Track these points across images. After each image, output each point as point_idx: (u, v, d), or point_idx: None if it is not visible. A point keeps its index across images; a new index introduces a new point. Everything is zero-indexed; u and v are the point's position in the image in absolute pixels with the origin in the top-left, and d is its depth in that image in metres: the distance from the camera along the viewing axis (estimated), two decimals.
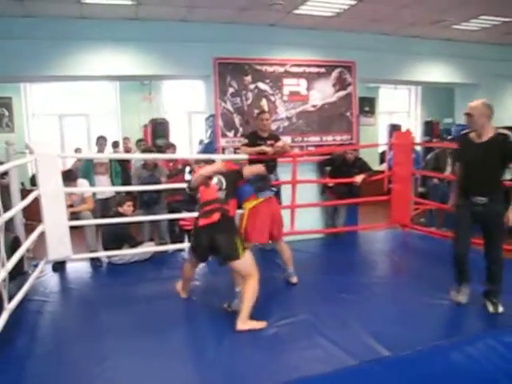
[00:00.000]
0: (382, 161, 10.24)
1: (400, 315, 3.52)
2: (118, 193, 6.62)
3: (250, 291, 3.38)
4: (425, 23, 6.28)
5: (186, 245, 5.57)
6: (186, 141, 10.23)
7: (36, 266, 4.56)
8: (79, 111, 10.00)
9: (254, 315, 3.40)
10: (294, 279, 4.34)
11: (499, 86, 7.98)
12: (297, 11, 5.65)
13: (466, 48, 7.45)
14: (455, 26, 6.43)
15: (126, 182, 6.73)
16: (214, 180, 3.67)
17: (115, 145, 8.67)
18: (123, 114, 10.10)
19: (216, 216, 3.44)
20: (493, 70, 7.73)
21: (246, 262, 3.45)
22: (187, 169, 6.51)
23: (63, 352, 3.10)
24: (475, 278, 3.65)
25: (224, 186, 3.64)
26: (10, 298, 3.31)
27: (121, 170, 6.76)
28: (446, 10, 5.69)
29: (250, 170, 3.99)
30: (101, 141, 6.96)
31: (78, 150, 8.91)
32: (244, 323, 3.32)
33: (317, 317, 3.53)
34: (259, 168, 4.13)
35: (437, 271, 4.59)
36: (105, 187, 6.44)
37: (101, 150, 6.95)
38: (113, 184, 6.67)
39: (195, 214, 5.38)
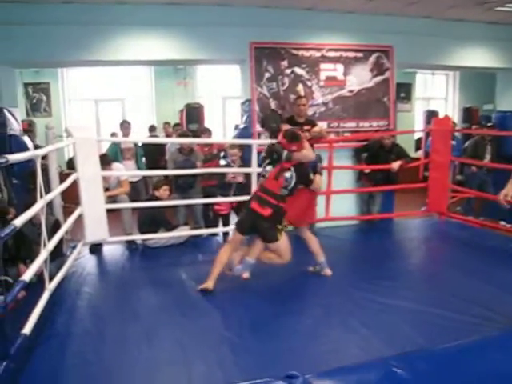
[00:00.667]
0: (417, 148, 10.06)
1: (436, 304, 3.46)
2: (147, 177, 6.71)
3: (272, 256, 3.76)
4: (466, 5, 6.08)
5: (220, 229, 5.63)
6: (220, 125, 10.24)
7: (74, 247, 4.69)
8: (114, 96, 10.12)
9: (291, 305, 3.45)
10: (328, 271, 4.18)
11: None
12: None
13: (509, 31, 7.19)
14: (499, 7, 6.20)
15: (154, 166, 6.79)
16: (287, 174, 3.70)
17: (152, 129, 8.76)
18: (158, 99, 10.17)
19: (267, 211, 3.59)
20: None
21: (281, 245, 3.66)
22: (222, 153, 6.55)
23: (100, 330, 3.19)
24: None
25: (290, 186, 3.72)
26: (51, 279, 3.42)
27: (144, 154, 6.83)
28: None
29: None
30: (125, 125, 7.04)
31: (114, 135, 9.04)
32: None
33: (353, 302, 3.54)
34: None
35: (474, 261, 4.54)
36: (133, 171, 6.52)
37: (126, 135, 7.00)
38: (138, 168, 6.75)
39: (230, 199, 5.48)
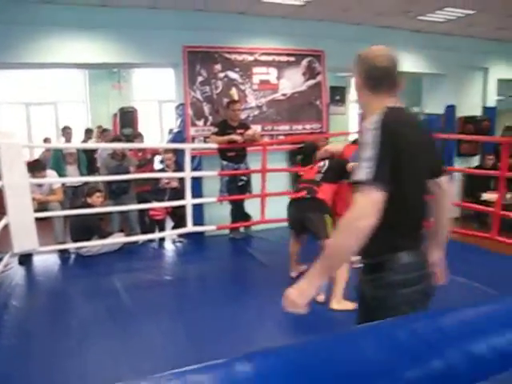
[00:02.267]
0: None
1: None
2: (86, 183, 6.54)
3: (340, 271, 3.43)
4: (392, 13, 6.34)
5: (156, 235, 5.56)
6: (157, 130, 10.12)
7: (1, 259, 4.49)
8: (47, 100, 9.77)
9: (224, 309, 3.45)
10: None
11: (464, 76, 8.16)
12: (266, 0, 5.64)
13: (433, 39, 7.56)
14: (421, 16, 6.50)
15: (93, 172, 6.65)
16: (321, 163, 3.94)
17: (88, 132, 8.47)
18: (93, 102, 9.92)
19: (302, 193, 3.71)
20: (458, 60, 7.87)
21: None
22: (157, 158, 6.49)
23: (27, 346, 3.08)
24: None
25: (323, 170, 3.87)
26: None
27: (86, 160, 6.67)
28: (412, 0, 5.76)
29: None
30: (67, 130, 6.88)
31: (47, 140, 8.73)
32: (339, 303, 3.48)
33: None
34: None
35: None
36: (74, 177, 6.34)
37: (68, 140, 6.86)
38: (81, 174, 6.59)
39: (165, 204, 5.44)
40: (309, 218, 3.67)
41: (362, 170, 1.54)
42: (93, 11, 5.57)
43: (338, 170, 3.86)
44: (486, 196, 6.85)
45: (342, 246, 1.55)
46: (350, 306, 3.30)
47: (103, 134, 7.59)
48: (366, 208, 1.51)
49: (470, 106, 8.30)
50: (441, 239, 1.93)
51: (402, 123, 1.66)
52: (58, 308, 3.75)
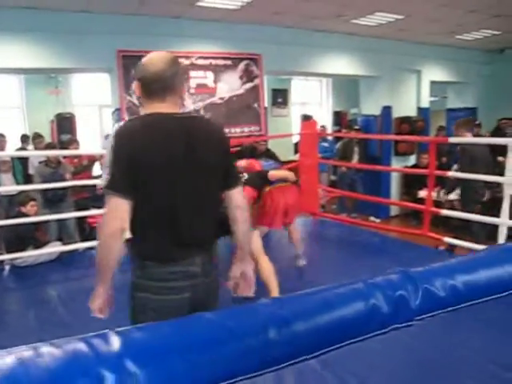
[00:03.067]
0: (296, 151, 10.53)
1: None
2: (22, 191, 6.33)
3: (265, 272, 3.55)
4: (325, 17, 6.49)
5: (95, 242, 5.45)
6: (97, 135, 9.90)
7: None
8: None
9: None
10: (301, 262, 4.51)
11: (399, 78, 8.46)
12: (200, 3, 5.64)
13: (368, 42, 7.81)
14: (354, 20, 6.70)
15: (28, 180, 6.45)
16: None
17: (24, 139, 8.13)
18: (29, 108, 9.58)
19: None
20: (392, 63, 8.18)
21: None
22: (96, 164, 6.36)
23: None
24: None
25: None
26: None
27: (22, 168, 6.47)
28: (344, 4, 5.93)
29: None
30: (0, 138, 6.64)
31: None
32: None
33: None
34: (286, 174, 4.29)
35: (340, 255, 4.88)
36: (8, 186, 6.13)
37: (1, 148, 6.61)
38: (16, 182, 6.37)
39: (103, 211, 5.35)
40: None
41: (104, 178, 1.63)
42: (25, 14, 5.41)
43: (259, 179, 4.05)
44: (421, 194, 7.12)
45: (100, 253, 1.70)
46: None
47: (35, 141, 7.27)
48: (106, 214, 1.61)
49: (406, 107, 8.63)
50: (241, 253, 1.93)
51: (142, 132, 1.62)
52: None
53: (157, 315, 1.65)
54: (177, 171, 1.64)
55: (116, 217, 1.56)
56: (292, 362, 0.92)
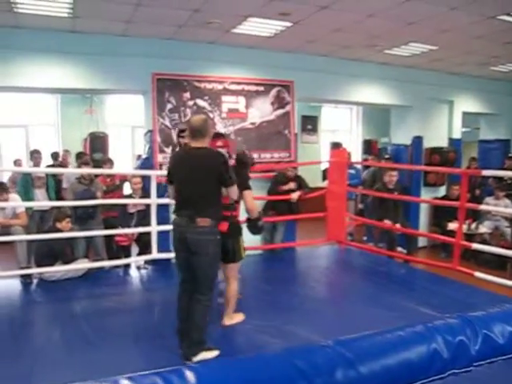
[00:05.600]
0: (324, 177, 10.48)
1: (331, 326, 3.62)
2: (54, 207, 6.46)
3: (232, 292, 3.73)
4: (358, 47, 6.53)
5: (121, 261, 5.50)
6: (129, 155, 10.08)
7: None
8: (17, 122, 9.68)
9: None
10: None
11: (430, 108, 8.39)
12: (235, 30, 5.75)
13: (400, 72, 7.80)
14: (387, 50, 6.71)
15: (61, 196, 6.58)
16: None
17: (55, 156, 8.41)
18: (64, 126, 9.85)
19: (225, 226, 3.51)
20: (424, 93, 8.13)
21: (237, 266, 3.75)
22: (127, 184, 6.45)
23: None
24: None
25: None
26: None
27: (54, 184, 6.61)
28: (377, 35, 5.94)
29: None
30: (35, 155, 6.82)
31: (17, 161, 8.65)
32: (231, 318, 3.76)
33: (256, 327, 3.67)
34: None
35: (366, 285, 4.79)
36: (41, 202, 6.26)
37: (36, 164, 6.79)
38: (49, 198, 6.50)
39: (132, 230, 5.40)
40: (229, 244, 3.70)
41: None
42: (64, 37, 5.63)
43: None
44: (451, 226, 6.97)
45: None
46: (241, 317, 3.80)
47: (78, 157, 7.50)
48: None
49: (437, 137, 8.53)
50: None
51: (178, 155, 3.46)
52: (13, 335, 3.65)
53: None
54: (182, 175, 3.18)
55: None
56: None
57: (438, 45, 6.39)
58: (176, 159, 3.32)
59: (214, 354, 3.17)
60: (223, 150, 3.54)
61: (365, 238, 8.19)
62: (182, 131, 4.29)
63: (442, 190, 8.47)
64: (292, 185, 6.11)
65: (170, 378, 0.87)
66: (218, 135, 3.87)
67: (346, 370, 0.90)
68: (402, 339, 1.02)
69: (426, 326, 1.04)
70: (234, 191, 3.28)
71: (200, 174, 3.12)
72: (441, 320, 1.08)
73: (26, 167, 7.97)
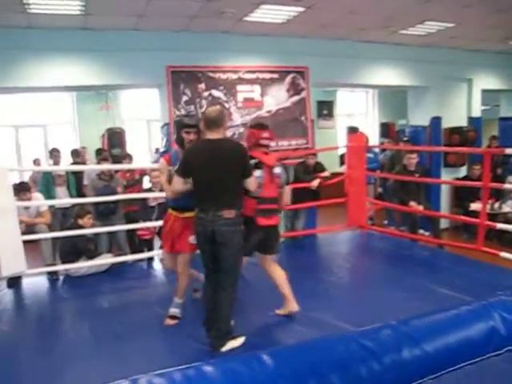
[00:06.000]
0: (342, 163, 10.41)
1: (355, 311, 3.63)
2: (75, 204, 6.53)
3: (282, 277, 3.64)
4: (373, 28, 6.44)
5: (144, 255, 5.55)
6: (146, 149, 10.14)
7: None
8: (36, 122, 9.80)
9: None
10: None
11: (448, 87, 8.25)
12: (247, 18, 5.71)
13: (416, 52, 7.67)
14: (403, 31, 6.60)
15: (82, 193, 6.65)
16: (278, 169, 3.56)
17: (76, 153, 8.44)
18: (81, 123, 9.94)
19: (275, 220, 3.54)
20: (441, 72, 7.98)
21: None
22: (146, 178, 6.50)
23: (10, 371, 3.06)
24: None
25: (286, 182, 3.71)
26: None
27: (75, 181, 6.69)
28: (392, 16, 5.85)
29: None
30: (55, 153, 6.89)
31: (36, 161, 8.76)
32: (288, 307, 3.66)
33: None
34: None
35: (389, 269, 4.77)
36: (62, 199, 6.34)
37: (56, 162, 6.87)
38: (70, 195, 6.58)
39: (153, 224, 5.43)
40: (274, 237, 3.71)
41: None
42: (77, 35, 5.65)
43: None
44: (473, 206, 6.89)
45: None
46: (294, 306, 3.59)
47: (98, 154, 7.57)
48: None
49: (456, 117, 8.39)
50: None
51: (197, 147, 3.23)
52: (44, 330, 3.73)
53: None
54: (206, 168, 3.07)
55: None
56: (418, 382, 0.96)
57: (456, 22, 6.26)
58: (196, 152, 3.18)
59: (241, 341, 3.18)
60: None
61: (385, 222, 8.12)
62: (187, 126, 3.52)
63: (462, 171, 8.36)
64: (327, 173, 6.10)
65: (251, 362, 0.91)
66: (263, 126, 3.69)
67: (412, 348, 0.93)
68: (460, 318, 1.06)
69: (482, 304, 1.07)
70: (252, 182, 3.24)
71: (225, 166, 3.07)
72: (495, 298, 1.10)
73: (46, 166, 8.07)
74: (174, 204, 3.58)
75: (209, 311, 3.28)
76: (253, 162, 3.36)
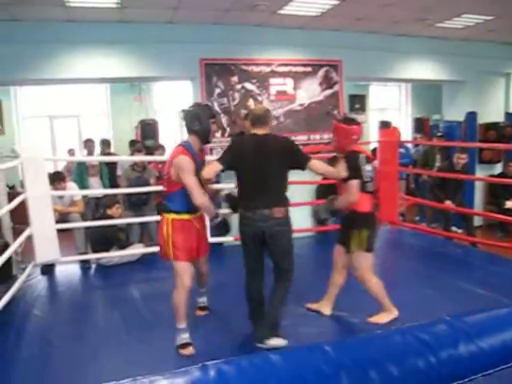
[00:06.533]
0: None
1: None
2: (108, 194, 6.65)
3: (376, 287, 3.58)
4: (408, 21, 6.32)
5: None
6: (178, 140, 10.17)
7: (24, 269, 4.60)
8: (70, 113, 10.00)
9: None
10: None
11: (485, 82, 8.05)
12: (281, 11, 5.68)
13: (452, 45, 7.50)
14: (439, 24, 6.47)
15: (114, 184, 6.77)
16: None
17: (107, 143, 8.51)
18: (114, 114, 10.11)
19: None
20: (478, 66, 7.79)
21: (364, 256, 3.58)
22: None
23: (47, 355, 3.16)
24: None
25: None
26: None
27: (108, 172, 6.82)
28: (429, 8, 5.73)
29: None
30: (89, 143, 7.02)
31: (71, 151, 8.95)
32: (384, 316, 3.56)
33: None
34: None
35: (422, 267, 4.71)
36: (95, 189, 6.46)
37: (90, 153, 7.00)
38: (103, 185, 6.70)
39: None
40: None
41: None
42: (113, 27, 5.73)
43: None
44: (509, 204, 6.73)
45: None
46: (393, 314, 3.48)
47: (131, 145, 7.65)
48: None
49: (493, 112, 8.20)
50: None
51: (245, 141, 3.25)
52: (77, 317, 3.83)
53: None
54: (255, 164, 3.04)
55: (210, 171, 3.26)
56: (470, 378, 0.97)
57: (494, 14, 6.09)
58: (244, 146, 3.16)
59: (284, 343, 3.06)
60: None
61: (417, 218, 8.02)
62: (214, 116, 3.35)
63: (498, 168, 8.17)
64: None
65: (315, 352, 0.97)
66: (352, 120, 3.58)
67: (467, 344, 0.94)
68: None
69: None
70: (316, 164, 3.15)
71: (273, 160, 3.06)
72: None
73: (80, 156, 8.23)
74: (186, 208, 3.15)
75: (254, 304, 3.25)
76: (362, 156, 3.33)
